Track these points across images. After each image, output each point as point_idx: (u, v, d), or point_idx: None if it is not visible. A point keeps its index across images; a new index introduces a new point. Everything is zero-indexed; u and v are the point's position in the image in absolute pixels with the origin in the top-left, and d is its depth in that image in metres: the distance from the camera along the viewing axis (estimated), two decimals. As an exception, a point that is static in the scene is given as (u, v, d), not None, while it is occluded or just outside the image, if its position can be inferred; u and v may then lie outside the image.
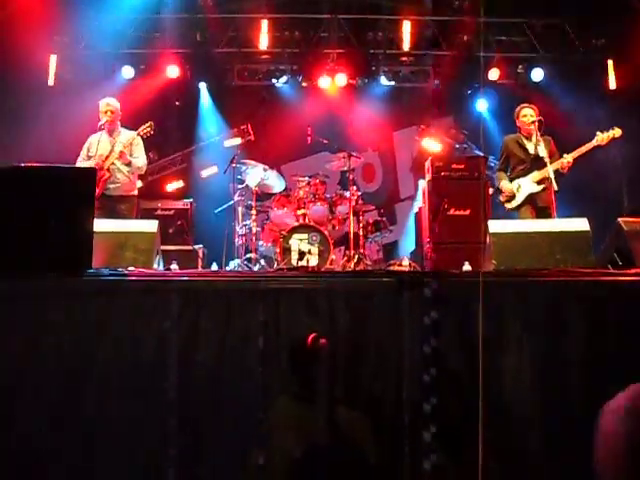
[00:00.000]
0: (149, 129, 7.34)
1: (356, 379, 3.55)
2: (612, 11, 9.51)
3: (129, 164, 7.20)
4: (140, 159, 7.34)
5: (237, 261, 8.62)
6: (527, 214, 7.00)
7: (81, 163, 7.17)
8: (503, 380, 3.68)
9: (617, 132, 6.87)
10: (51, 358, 3.47)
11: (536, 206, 7.01)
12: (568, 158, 6.87)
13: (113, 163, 7.13)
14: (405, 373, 3.61)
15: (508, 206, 7.21)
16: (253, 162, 9.03)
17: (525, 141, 7.20)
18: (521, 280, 3.96)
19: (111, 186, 7.14)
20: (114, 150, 7.15)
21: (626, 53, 9.99)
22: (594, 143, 6.85)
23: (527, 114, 7.16)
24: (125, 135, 7.36)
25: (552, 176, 6.57)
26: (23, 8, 8.64)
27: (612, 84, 10.30)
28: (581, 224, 5.20)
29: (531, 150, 7.11)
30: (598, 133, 6.86)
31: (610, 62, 10.32)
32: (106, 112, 7.29)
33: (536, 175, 6.98)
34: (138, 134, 7.30)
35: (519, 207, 7.11)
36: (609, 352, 3.69)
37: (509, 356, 3.66)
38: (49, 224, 3.81)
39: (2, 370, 3.42)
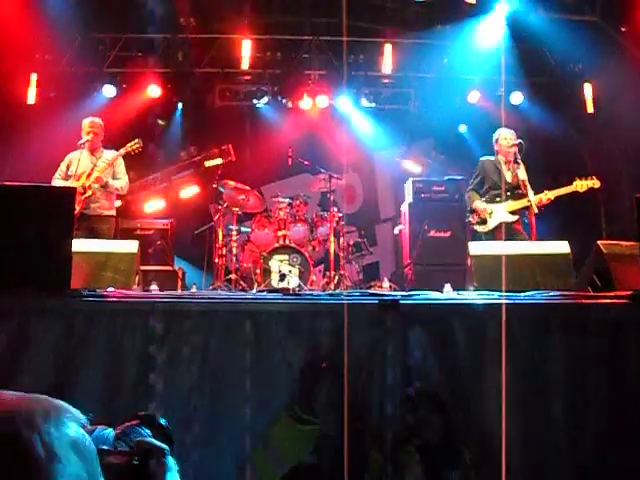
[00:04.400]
0: (137, 146, 7.11)
1: (339, 396, 3.55)
2: (590, 37, 9.65)
3: (105, 185, 7.06)
4: (122, 180, 7.25)
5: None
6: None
7: (58, 181, 7.03)
8: (483, 397, 3.69)
9: (596, 183, 6.79)
10: (28, 376, 3.44)
11: (507, 235, 6.78)
12: (549, 195, 6.78)
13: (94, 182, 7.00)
14: (387, 389, 3.62)
15: (478, 229, 7.09)
16: (234, 183, 9.01)
17: (503, 166, 7.11)
18: (502, 301, 3.97)
19: (92, 205, 7.01)
20: (95, 169, 7.00)
21: (603, 78, 10.14)
22: (572, 188, 6.77)
23: (507, 137, 7.10)
24: (107, 155, 7.21)
25: (532, 199, 6.56)
26: (2, 26, 8.58)
27: (590, 108, 10.43)
28: (562, 247, 5.25)
29: (508, 178, 7.01)
30: (577, 179, 6.79)
31: (588, 86, 10.47)
32: (89, 132, 7.14)
33: (511, 205, 6.90)
34: (126, 151, 7.08)
35: (490, 232, 6.97)
36: (590, 371, 3.72)
37: (489, 374, 3.68)
38: (28, 243, 3.78)
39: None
